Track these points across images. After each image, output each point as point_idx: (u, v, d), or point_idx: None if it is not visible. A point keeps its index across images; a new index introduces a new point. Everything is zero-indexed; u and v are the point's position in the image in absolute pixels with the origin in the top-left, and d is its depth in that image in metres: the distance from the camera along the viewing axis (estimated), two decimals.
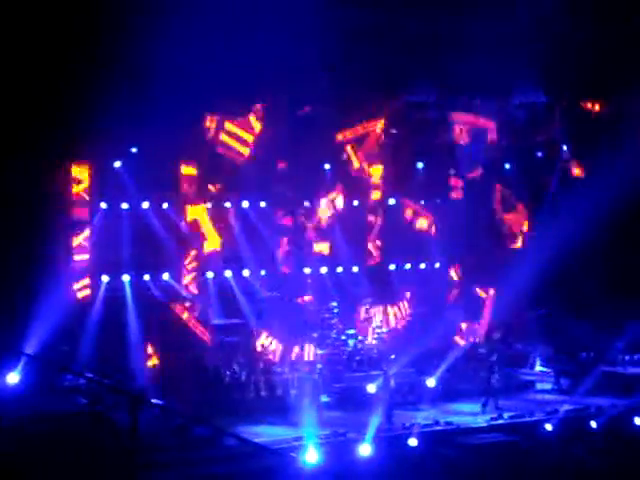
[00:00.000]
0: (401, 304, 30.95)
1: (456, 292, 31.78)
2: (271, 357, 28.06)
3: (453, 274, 32.05)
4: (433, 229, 31.60)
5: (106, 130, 24.27)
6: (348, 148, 30.36)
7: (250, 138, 28.50)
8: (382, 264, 31.18)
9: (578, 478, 22.39)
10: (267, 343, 28.16)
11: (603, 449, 23.81)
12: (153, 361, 27.16)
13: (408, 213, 31.57)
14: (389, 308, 30.73)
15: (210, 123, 28.24)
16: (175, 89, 23.84)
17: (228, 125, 28.33)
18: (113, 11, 24.03)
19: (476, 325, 31.38)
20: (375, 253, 31.24)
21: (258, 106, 28.61)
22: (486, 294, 31.72)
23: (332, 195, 30.25)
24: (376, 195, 30.90)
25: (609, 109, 32.31)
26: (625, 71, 29.42)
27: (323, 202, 30.30)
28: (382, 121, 30.45)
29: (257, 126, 28.78)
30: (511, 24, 28.28)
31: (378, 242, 31.20)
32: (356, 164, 30.49)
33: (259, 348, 28.07)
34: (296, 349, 28.22)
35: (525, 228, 32.51)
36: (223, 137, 28.27)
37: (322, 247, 30.20)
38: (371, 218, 31.14)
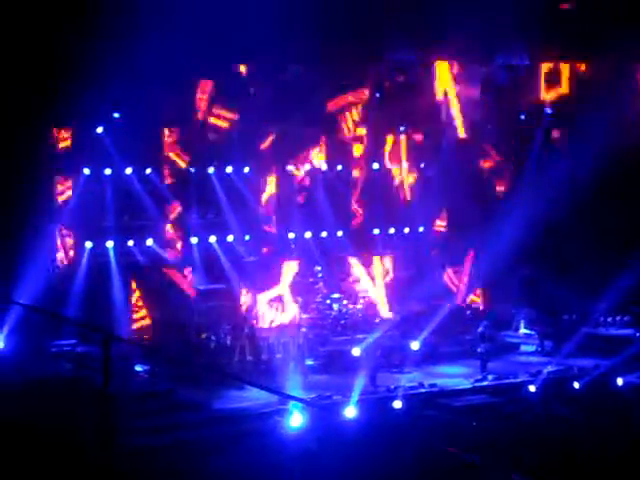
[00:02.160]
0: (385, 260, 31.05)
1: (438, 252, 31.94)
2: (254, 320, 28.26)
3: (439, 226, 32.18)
4: (411, 192, 31.63)
5: (88, 95, 24.11)
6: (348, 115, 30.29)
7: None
8: (366, 228, 31.23)
9: (561, 439, 22.58)
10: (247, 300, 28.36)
11: (586, 409, 24.01)
12: (139, 324, 27.31)
13: (395, 173, 31.56)
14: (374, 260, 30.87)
15: (201, 95, 28.20)
16: (159, 54, 23.71)
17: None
18: None
19: (460, 286, 31.55)
20: (359, 217, 31.29)
21: (243, 68, 28.55)
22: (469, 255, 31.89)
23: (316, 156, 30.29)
24: (358, 151, 30.91)
25: (593, 70, 32.27)
26: (608, 32, 29.36)
27: (306, 166, 30.29)
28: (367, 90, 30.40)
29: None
30: None
31: (360, 207, 31.23)
32: (347, 131, 30.52)
33: (243, 307, 28.27)
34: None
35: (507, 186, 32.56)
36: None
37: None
38: (354, 182, 31.17)
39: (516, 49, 31.09)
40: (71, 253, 27.04)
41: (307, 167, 30.28)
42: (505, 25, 28.60)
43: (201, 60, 26.68)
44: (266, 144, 29.50)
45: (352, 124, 30.50)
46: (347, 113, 30.37)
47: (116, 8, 23.37)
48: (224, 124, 28.66)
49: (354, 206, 31.24)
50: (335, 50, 28.90)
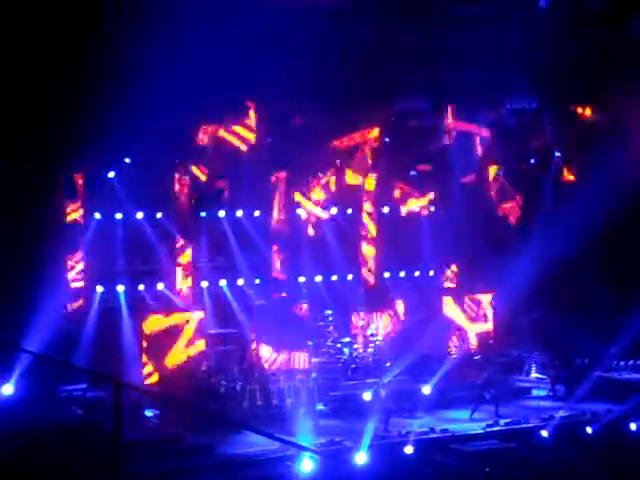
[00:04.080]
0: (395, 310, 30.99)
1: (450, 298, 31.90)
2: (265, 364, 28.09)
3: (448, 276, 32.16)
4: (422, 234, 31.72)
5: (99, 141, 24.29)
6: (338, 162, 30.45)
7: (250, 137, 28.72)
8: (377, 272, 31.23)
9: None
10: (262, 352, 28.24)
11: (599, 455, 23.81)
12: (148, 370, 27.19)
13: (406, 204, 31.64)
14: (383, 314, 30.79)
15: (203, 135, 28.36)
16: (168, 100, 23.87)
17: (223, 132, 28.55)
18: (107, 22, 24.10)
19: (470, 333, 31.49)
20: (370, 261, 31.30)
21: (252, 114, 28.71)
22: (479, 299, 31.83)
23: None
24: (368, 205, 31.03)
25: (600, 114, 32.42)
26: (615, 77, 29.55)
27: (318, 210, 30.38)
28: (376, 130, 30.50)
29: (251, 136, 28.91)
30: (503, 34, 28.43)
31: (372, 250, 31.26)
32: (349, 179, 30.61)
33: (254, 356, 28.18)
34: (286, 356, 28.24)
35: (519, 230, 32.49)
36: (222, 133, 28.38)
37: None
38: (364, 226, 31.25)
39: (524, 94, 31.26)
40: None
41: (317, 211, 30.36)
42: (514, 70, 28.80)
43: (210, 105, 26.88)
44: (276, 187, 29.65)
45: (354, 169, 30.70)
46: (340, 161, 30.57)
47: (125, 52, 23.59)
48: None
49: (364, 249, 31.28)
50: (346, 99, 29.15)
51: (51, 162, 25.32)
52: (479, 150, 31.98)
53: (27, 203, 24.97)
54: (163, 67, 22.97)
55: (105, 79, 24.28)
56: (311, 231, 30.26)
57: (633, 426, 25.74)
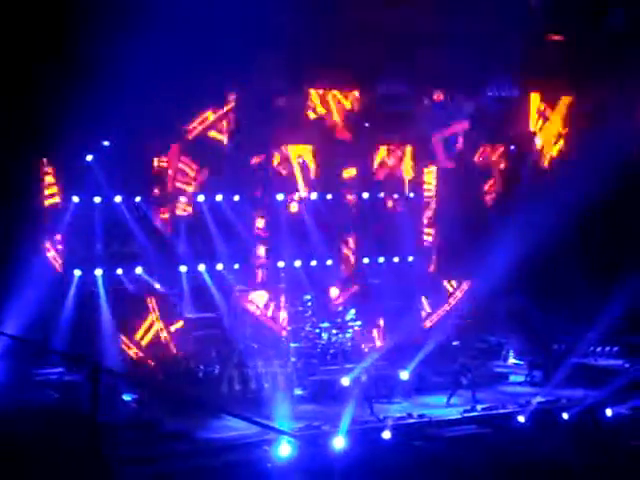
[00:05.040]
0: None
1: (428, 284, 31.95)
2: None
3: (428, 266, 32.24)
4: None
5: (77, 123, 24.10)
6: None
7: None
8: (355, 257, 31.24)
9: (550, 469, 22.51)
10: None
11: (575, 440, 23.97)
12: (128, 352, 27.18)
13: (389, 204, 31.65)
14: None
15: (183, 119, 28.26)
16: (147, 83, 23.75)
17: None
18: (82, 5, 23.92)
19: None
20: (349, 246, 31.30)
21: (231, 97, 28.59)
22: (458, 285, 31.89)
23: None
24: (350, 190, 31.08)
25: (583, 101, 32.49)
26: (597, 66, 29.63)
27: (296, 195, 30.32)
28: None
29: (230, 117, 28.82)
30: (485, 20, 28.39)
31: (352, 236, 31.27)
32: None
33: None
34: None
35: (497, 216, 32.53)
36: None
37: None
38: (345, 211, 31.23)
39: (506, 81, 31.28)
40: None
41: (297, 196, 30.31)
42: (495, 57, 28.79)
43: (190, 87, 26.74)
44: (255, 171, 29.61)
45: None
46: None
47: (106, 36, 23.41)
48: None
49: (344, 235, 31.26)
50: (326, 81, 29.11)
51: (28, 145, 25.12)
52: (459, 136, 32.01)
53: (3, 187, 24.79)
54: (143, 51, 22.80)
55: (84, 62, 24.08)
56: (293, 209, 30.21)
57: (609, 412, 25.92)
